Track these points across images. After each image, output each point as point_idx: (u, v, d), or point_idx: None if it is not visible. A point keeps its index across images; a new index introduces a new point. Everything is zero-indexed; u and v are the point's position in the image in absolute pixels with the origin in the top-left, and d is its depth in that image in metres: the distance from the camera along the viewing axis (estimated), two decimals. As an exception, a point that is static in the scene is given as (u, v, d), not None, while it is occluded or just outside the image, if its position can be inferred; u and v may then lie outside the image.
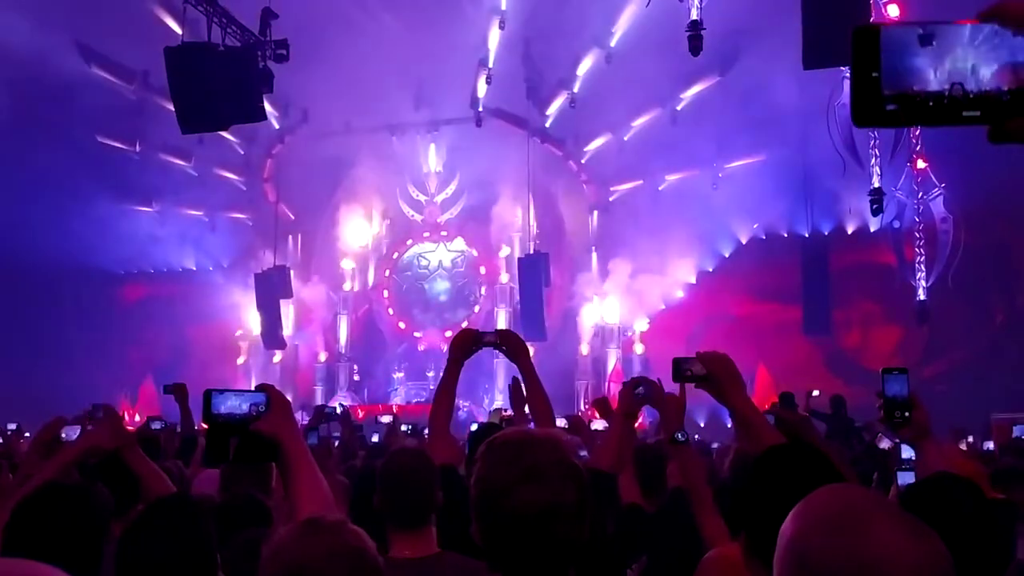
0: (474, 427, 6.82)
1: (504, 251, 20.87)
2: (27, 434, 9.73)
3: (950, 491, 1.99)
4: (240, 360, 21.89)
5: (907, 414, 2.43)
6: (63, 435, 2.81)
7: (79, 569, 1.93)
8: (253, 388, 1.95)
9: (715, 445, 7.11)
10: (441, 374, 3.41)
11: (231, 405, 1.89)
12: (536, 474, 1.42)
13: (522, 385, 3.60)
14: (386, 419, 7.40)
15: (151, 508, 1.76)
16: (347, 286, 21.99)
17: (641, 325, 19.93)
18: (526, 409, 3.73)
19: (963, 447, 7.37)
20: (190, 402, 5.73)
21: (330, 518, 1.50)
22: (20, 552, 1.86)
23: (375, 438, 7.36)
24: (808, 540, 1.07)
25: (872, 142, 15.20)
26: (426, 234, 21.88)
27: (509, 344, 3.38)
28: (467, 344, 3.30)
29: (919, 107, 0.84)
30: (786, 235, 18.69)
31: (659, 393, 3.52)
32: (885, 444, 4.38)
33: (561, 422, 4.66)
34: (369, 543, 1.46)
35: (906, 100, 0.84)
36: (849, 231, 18.17)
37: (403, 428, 6.97)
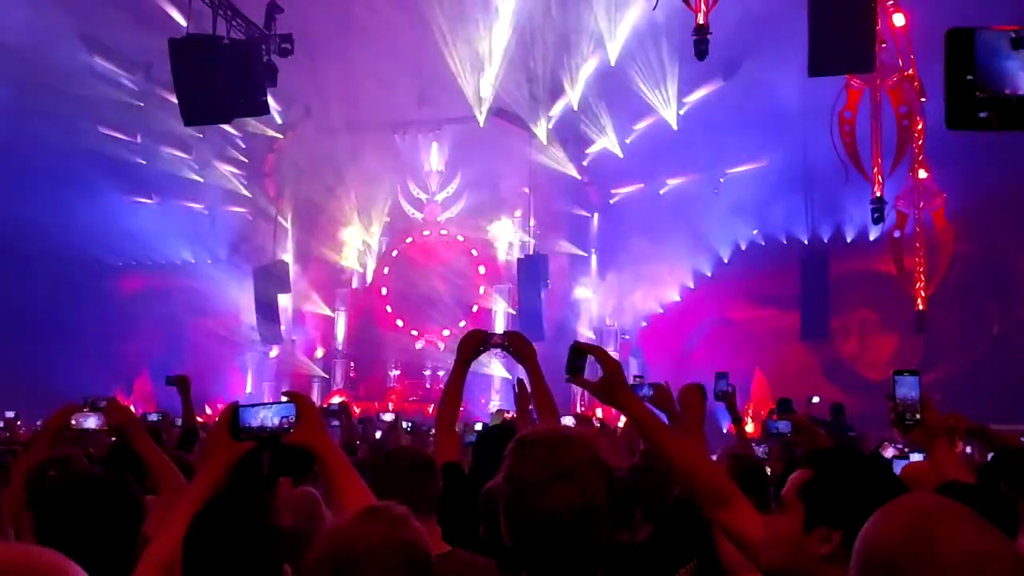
0: (478, 426, 6.83)
1: (503, 251, 20.85)
2: (19, 422, 9.69)
3: (980, 501, 1.99)
4: (237, 355, 21.84)
5: (918, 417, 2.37)
6: (73, 422, 2.79)
7: (109, 564, 1.90)
8: (283, 398, 1.91)
9: (714, 457, 7.05)
10: (448, 374, 3.41)
11: (261, 419, 1.85)
12: (570, 474, 1.40)
13: (527, 387, 3.60)
14: (388, 417, 7.39)
15: (220, 497, 1.75)
16: (346, 283, 21.97)
17: (638, 328, 19.93)
18: (529, 408, 3.73)
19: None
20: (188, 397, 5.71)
21: (395, 509, 1.48)
22: (51, 540, 1.83)
23: (377, 435, 7.36)
24: (880, 525, 1.12)
25: (874, 150, 15.21)
26: (426, 232, 21.85)
27: (516, 346, 3.38)
28: (475, 345, 3.31)
29: (1012, 110, 0.84)
30: (786, 241, 18.71)
31: (665, 395, 3.54)
32: (889, 453, 4.36)
33: (568, 420, 4.67)
34: (424, 540, 1.44)
35: (998, 103, 0.84)
36: (849, 239, 18.19)
37: (404, 425, 6.98)
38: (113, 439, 2.86)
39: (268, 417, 1.86)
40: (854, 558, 1.14)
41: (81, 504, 1.99)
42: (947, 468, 2.36)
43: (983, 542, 1.06)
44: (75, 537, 1.91)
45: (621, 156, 19.29)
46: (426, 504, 2.56)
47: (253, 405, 1.88)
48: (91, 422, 2.79)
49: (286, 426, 1.85)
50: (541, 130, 19.50)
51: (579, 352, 2.25)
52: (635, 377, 6.76)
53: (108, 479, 2.09)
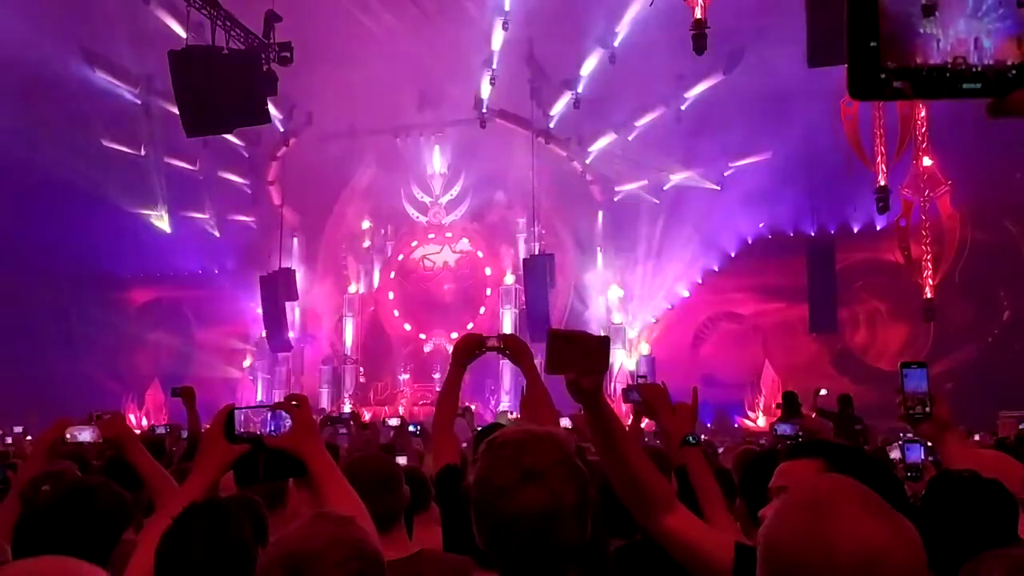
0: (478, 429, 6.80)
1: (509, 252, 20.86)
2: (28, 437, 9.72)
3: (974, 489, 1.99)
4: (246, 363, 21.93)
5: (927, 410, 2.34)
6: (67, 436, 2.79)
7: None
8: (284, 399, 1.90)
9: (721, 450, 7.03)
10: (445, 377, 3.41)
11: (257, 421, 1.84)
12: (536, 475, 1.39)
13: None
14: (393, 422, 7.37)
15: (190, 511, 1.75)
16: (352, 288, 22.02)
17: (647, 325, 19.90)
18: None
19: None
20: (198, 405, 5.75)
21: (340, 513, 1.50)
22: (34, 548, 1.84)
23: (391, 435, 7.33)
24: (777, 525, 1.12)
25: (878, 140, 15.15)
26: (431, 235, 21.86)
27: (512, 348, 3.36)
28: (470, 348, 3.29)
29: (920, 81, 0.78)
30: (792, 234, 18.64)
31: (650, 395, 3.55)
32: (896, 454, 4.27)
33: (565, 421, 4.65)
34: (372, 538, 1.45)
35: (906, 73, 0.78)
36: (855, 229, 18.13)
37: (411, 429, 6.97)
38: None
39: (264, 420, 1.86)
40: (759, 556, 1.13)
41: (62, 512, 2.01)
42: (957, 461, 2.33)
43: (877, 539, 1.06)
44: (57, 543, 1.92)
45: (623, 153, 19.29)
46: (395, 512, 2.63)
47: (250, 407, 1.87)
48: (85, 435, 2.80)
49: (282, 429, 1.84)
50: (543, 129, 19.51)
51: (558, 339, 1.74)
52: (638, 377, 6.73)
53: (85, 485, 2.12)
